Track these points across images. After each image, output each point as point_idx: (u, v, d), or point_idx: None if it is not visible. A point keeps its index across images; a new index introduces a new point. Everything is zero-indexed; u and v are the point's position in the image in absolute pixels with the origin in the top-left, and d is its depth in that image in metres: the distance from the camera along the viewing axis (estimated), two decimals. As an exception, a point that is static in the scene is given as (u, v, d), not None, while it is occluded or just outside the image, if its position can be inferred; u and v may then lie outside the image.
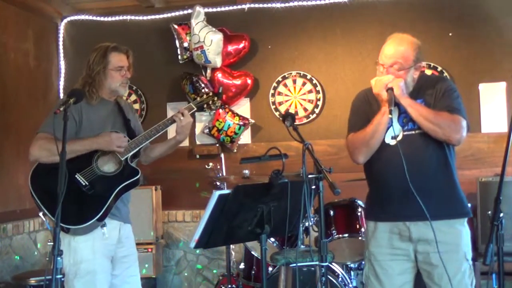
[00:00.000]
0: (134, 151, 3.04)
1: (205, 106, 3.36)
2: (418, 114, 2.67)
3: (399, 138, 2.71)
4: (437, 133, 2.67)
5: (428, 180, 2.69)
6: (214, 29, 4.78)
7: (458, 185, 2.80)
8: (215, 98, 3.39)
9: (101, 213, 2.90)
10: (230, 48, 4.83)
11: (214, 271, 4.94)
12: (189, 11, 4.85)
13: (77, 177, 2.92)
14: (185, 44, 4.90)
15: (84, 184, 2.91)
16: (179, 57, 4.94)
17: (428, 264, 2.72)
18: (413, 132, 2.74)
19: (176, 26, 4.92)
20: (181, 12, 4.98)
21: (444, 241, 2.65)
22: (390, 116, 2.63)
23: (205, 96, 3.38)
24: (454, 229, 2.74)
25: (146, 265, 4.59)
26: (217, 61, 4.79)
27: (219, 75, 4.84)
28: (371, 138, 2.73)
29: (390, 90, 2.67)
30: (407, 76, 2.74)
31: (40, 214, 2.96)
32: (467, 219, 2.81)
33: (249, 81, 4.83)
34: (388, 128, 2.72)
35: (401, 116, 2.76)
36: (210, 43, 4.72)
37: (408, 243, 2.75)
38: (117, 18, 5.13)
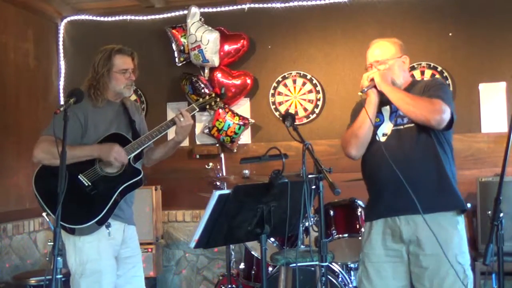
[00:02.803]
0: (137, 151, 3.05)
1: (207, 107, 3.35)
2: (397, 98, 2.75)
3: (388, 133, 2.80)
4: (415, 114, 2.71)
5: (416, 172, 2.70)
6: (210, 28, 4.77)
7: (450, 178, 2.75)
8: (218, 99, 3.39)
9: (103, 213, 2.92)
10: (229, 47, 4.83)
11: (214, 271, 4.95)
12: (189, 11, 4.86)
13: (80, 178, 2.94)
14: (181, 47, 4.90)
15: (86, 184, 2.93)
16: (176, 60, 4.95)
17: (418, 266, 2.71)
18: (402, 126, 2.80)
19: (171, 30, 4.92)
20: (181, 12, 4.97)
21: (432, 241, 2.60)
22: (359, 93, 2.81)
23: (207, 97, 3.38)
24: (442, 229, 2.66)
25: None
26: (215, 60, 4.79)
27: (218, 75, 4.84)
28: (358, 128, 2.80)
29: (371, 80, 2.82)
30: (393, 66, 2.85)
31: (44, 214, 2.98)
32: (462, 222, 2.76)
33: (248, 81, 4.82)
34: (379, 126, 2.81)
35: (393, 115, 2.83)
36: (207, 42, 4.71)
37: (401, 244, 2.75)
38: (117, 18, 5.13)
